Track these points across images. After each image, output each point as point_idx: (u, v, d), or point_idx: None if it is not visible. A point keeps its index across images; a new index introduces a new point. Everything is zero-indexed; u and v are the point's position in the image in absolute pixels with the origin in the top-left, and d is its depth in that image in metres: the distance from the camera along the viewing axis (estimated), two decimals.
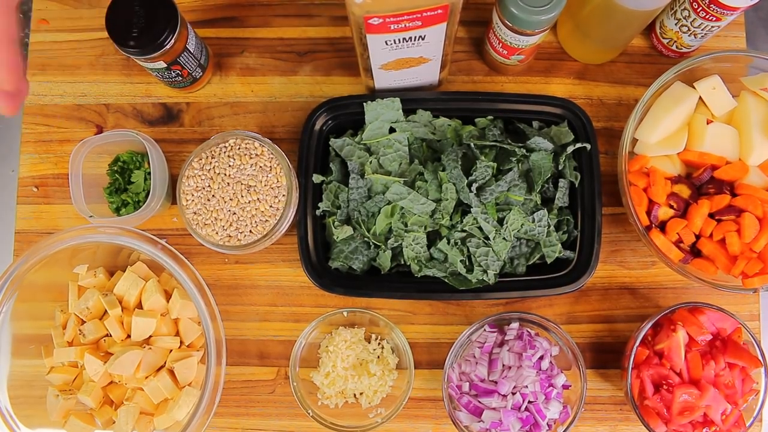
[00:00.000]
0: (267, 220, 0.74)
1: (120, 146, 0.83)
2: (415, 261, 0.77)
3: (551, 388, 0.74)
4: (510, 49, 0.76)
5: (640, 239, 0.76)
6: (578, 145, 0.77)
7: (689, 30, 0.77)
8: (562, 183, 0.78)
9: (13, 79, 0.56)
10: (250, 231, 0.74)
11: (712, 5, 0.72)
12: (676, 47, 0.81)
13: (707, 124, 0.75)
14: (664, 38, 0.82)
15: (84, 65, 0.87)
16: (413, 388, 0.79)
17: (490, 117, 0.80)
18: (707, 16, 0.73)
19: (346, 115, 0.80)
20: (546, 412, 0.73)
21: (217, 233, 0.74)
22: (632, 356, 0.72)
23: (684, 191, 0.75)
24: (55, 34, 0.87)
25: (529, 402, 0.73)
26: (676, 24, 0.78)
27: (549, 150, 0.77)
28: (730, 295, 0.81)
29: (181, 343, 0.78)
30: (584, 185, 0.78)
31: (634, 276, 0.82)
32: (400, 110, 0.78)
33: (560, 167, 0.78)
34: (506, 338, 0.76)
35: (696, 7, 0.73)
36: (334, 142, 0.79)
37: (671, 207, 0.75)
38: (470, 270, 0.76)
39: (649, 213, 0.75)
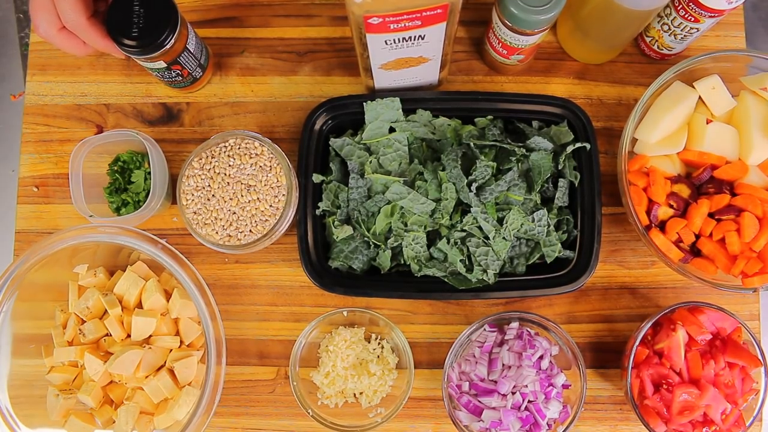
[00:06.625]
0: (267, 220, 0.74)
1: (120, 146, 0.83)
2: (415, 260, 0.77)
3: (551, 387, 0.74)
4: (510, 48, 0.76)
5: (640, 239, 0.76)
6: (578, 144, 0.77)
7: (670, 29, 0.77)
8: (562, 183, 0.78)
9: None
10: (250, 231, 0.74)
11: (691, 4, 0.72)
12: (658, 47, 0.82)
13: (707, 123, 0.75)
14: (647, 36, 0.82)
15: (84, 65, 0.87)
16: (413, 388, 0.79)
17: (489, 117, 0.80)
18: (687, 16, 0.73)
19: (346, 115, 0.80)
20: (546, 411, 0.73)
21: (217, 233, 0.74)
22: (632, 356, 0.72)
23: (684, 191, 0.75)
24: None
25: (529, 401, 0.73)
26: (659, 22, 0.78)
27: (549, 150, 0.77)
28: (730, 294, 0.81)
29: (181, 342, 0.78)
30: (584, 185, 0.78)
31: (634, 276, 0.82)
32: (400, 110, 0.78)
33: (560, 167, 0.78)
34: (506, 338, 0.76)
35: (677, 5, 0.74)
36: (334, 142, 0.79)
37: (671, 206, 0.75)
38: (470, 269, 0.76)
39: (648, 212, 0.75)
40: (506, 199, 0.76)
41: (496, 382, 0.73)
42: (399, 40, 0.66)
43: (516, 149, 0.75)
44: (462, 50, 0.86)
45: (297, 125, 0.85)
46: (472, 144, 0.76)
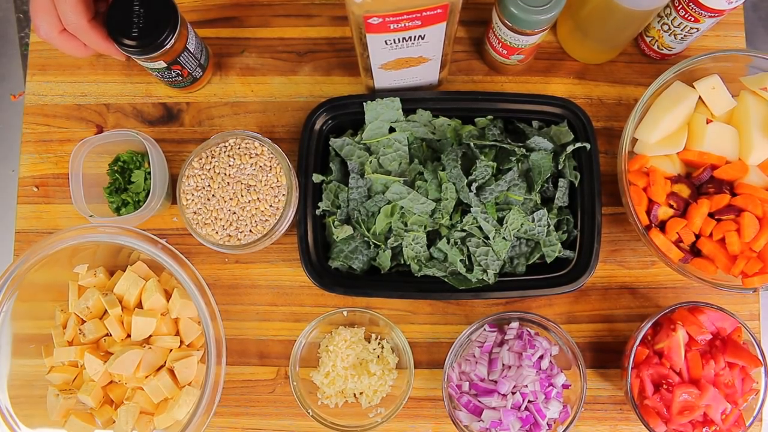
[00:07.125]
0: (267, 220, 0.74)
1: (120, 146, 0.83)
2: (415, 260, 0.77)
3: (551, 387, 0.74)
4: (510, 48, 0.76)
5: (640, 239, 0.76)
6: (578, 144, 0.77)
7: (670, 29, 0.77)
8: (562, 182, 0.78)
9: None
10: (250, 230, 0.74)
11: (691, 4, 0.72)
12: (658, 47, 0.82)
13: (707, 123, 0.75)
14: (647, 36, 0.82)
15: (84, 65, 0.87)
16: (413, 388, 0.79)
17: (489, 117, 0.80)
18: (687, 16, 0.73)
19: (346, 115, 0.80)
20: (546, 411, 0.73)
21: (217, 233, 0.74)
22: (632, 356, 0.72)
23: (684, 191, 0.75)
24: None
25: (529, 401, 0.73)
26: (659, 22, 0.78)
27: (549, 150, 0.77)
28: (730, 294, 0.81)
29: (181, 342, 0.78)
30: (584, 185, 0.78)
31: (634, 276, 0.82)
32: (400, 110, 0.78)
33: (560, 167, 0.78)
34: (506, 338, 0.76)
35: (677, 5, 0.74)
36: (334, 142, 0.79)
37: (671, 206, 0.75)
38: (470, 269, 0.76)
39: (648, 212, 0.75)
40: (506, 199, 0.76)
41: (496, 382, 0.73)
42: (399, 40, 0.66)
43: (516, 149, 0.75)
44: (462, 50, 0.86)
45: (297, 125, 0.85)
46: (472, 144, 0.76)
